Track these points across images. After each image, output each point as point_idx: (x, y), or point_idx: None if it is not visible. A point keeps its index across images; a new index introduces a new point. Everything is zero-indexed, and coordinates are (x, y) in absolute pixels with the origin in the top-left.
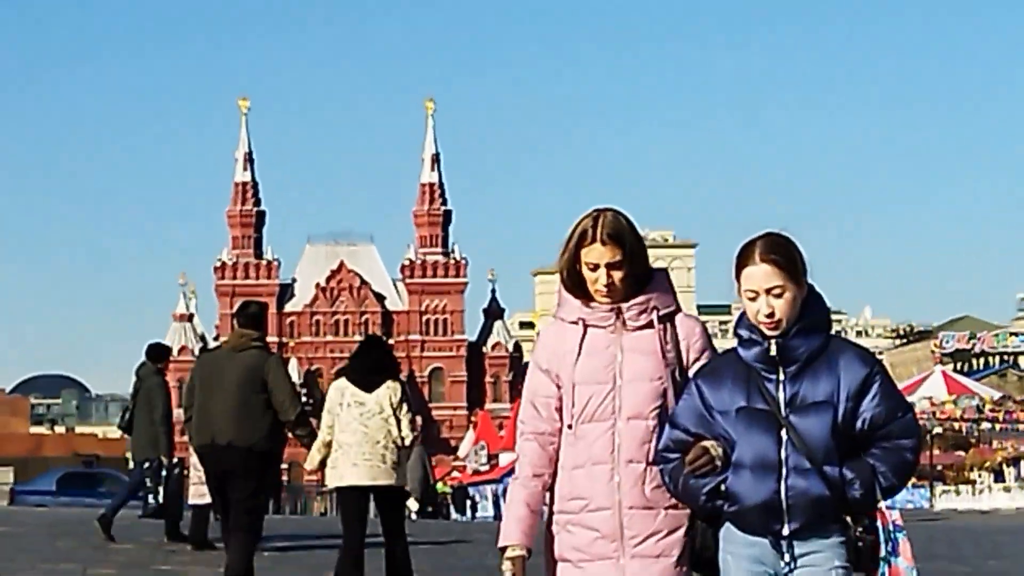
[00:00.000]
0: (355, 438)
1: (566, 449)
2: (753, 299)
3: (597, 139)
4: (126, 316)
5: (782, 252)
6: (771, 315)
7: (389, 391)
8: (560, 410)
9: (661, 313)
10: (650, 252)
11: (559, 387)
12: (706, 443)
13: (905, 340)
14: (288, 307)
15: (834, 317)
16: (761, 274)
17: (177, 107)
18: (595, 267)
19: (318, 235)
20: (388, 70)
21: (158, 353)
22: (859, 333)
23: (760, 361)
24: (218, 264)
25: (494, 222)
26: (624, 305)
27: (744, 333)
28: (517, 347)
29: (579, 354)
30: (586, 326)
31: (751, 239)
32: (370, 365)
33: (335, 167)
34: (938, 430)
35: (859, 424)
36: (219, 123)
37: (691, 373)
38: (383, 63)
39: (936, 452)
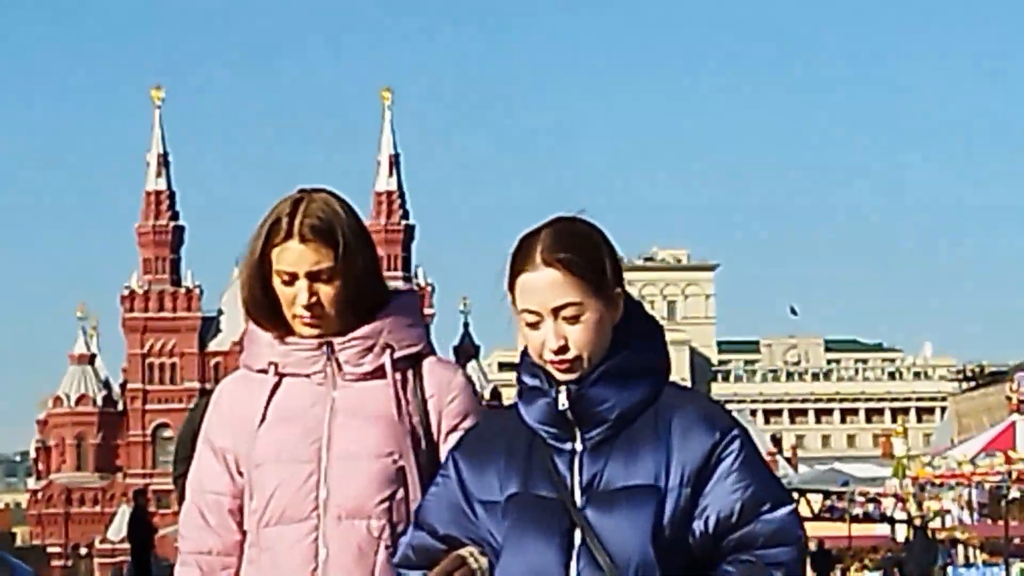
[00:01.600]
0: None
1: (246, 569)
2: (535, 325)
3: (594, 140)
4: (11, 360)
5: (579, 248)
6: (562, 349)
7: None
8: (240, 512)
9: (399, 355)
10: (661, 276)
11: (238, 475)
12: (464, 551)
13: (975, 383)
14: (212, 345)
15: (887, 356)
16: (546, 285)
17: (74, 98)
18: (291, 278)
19: None
20: (337, 52)
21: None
22: (917, 375)
23: (547, 422)
24: (125, 293)
25: (466, 239)
26: (338, 341)
27: (528, 379)
28: (496, 394)
29: (263, 418)
30: (279, 374)
31: (530, 230)
32: None
33: (270, 172)
34: (1016, 494)
35: (701, 523)
36: (128, 118)
37: (445, 447)
38: (329, 43)
39: (1014, 522)
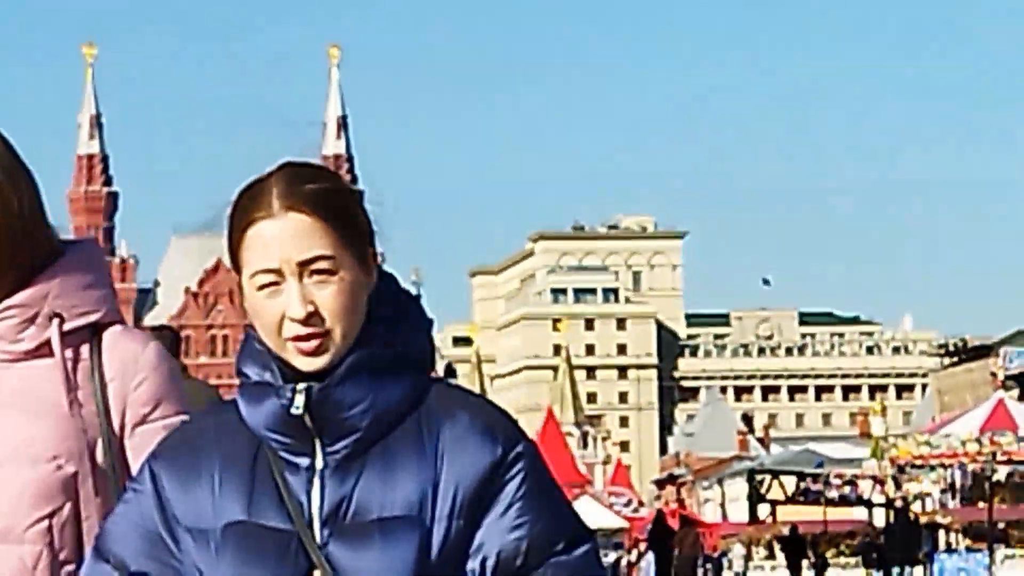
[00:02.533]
0: None
1: None
2: (271, 289)
3: (552, 100)
4: None
5: (328, 191)
6: (310, 317)
7: None
8: None
9: (70, 326)
10: (626, 245)
11: None
12: None
13: (957, 359)
14: (148, 319)
15: (864, 330)
16: (288, 234)
17: (0, 55)
18: None
19: (187, 224)
20: (282, 7)
21: None
22: (897, 349)
23: (277, 430)
24: None
25: (419, 207)
26: None
27: (252, 370)
28: (450, 370)
29: None
30: None
31: (258, 176)
32: None
33: (209, 133)
34: (1000, 476)
35: (476, 565)
36: (57, 75)
37: (133, 449)
38: None
39: (1000, 505)
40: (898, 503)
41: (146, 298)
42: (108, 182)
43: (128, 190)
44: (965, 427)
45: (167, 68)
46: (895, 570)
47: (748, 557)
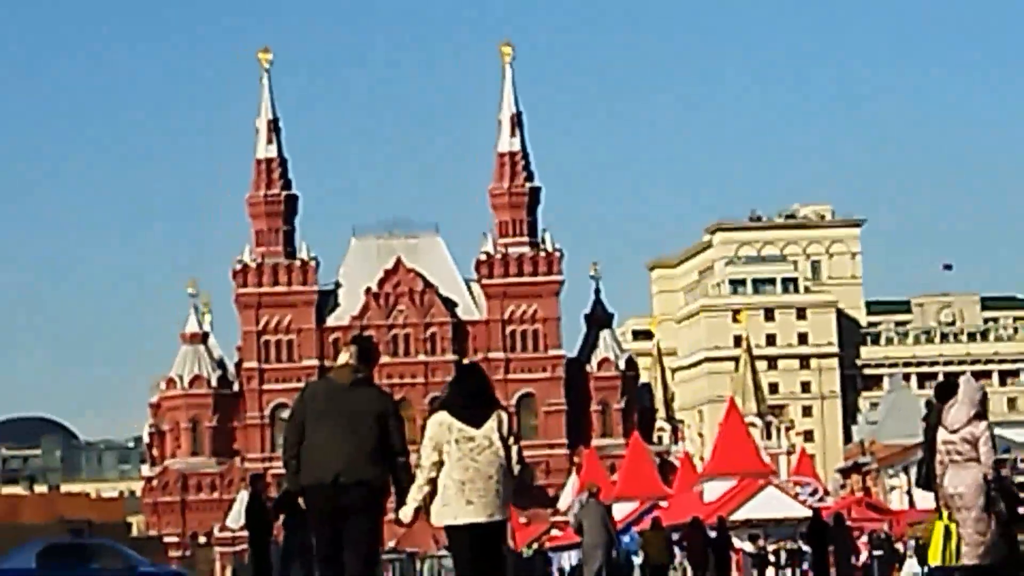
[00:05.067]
0: (467, 474)
1: None
2: None
3: (726, 90)
4: (122, 341)
5: None
6: None
7: (496, 422)
8: None
9: None
10: (804, 235)
11: None
12: None
13: None
14: (331, 320)
15: None
16: None
17: (178, 64)
18: None
19: (366, 226)
20: (454, 5)
21: None
22: None
23: None
24: (238, 267)
25: (595, 201)
26: None
27: None
28: (631, 363)
29: None
30: None
31: None
32: (473, 396)
33: (386, 137)
34: None
35: None
36: (235, 83)
37: None
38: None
39: None
40: None
41: (327, 299)
42: (287, 185)
43: (307, 193)
44: None
45: (343, 70)
46: None
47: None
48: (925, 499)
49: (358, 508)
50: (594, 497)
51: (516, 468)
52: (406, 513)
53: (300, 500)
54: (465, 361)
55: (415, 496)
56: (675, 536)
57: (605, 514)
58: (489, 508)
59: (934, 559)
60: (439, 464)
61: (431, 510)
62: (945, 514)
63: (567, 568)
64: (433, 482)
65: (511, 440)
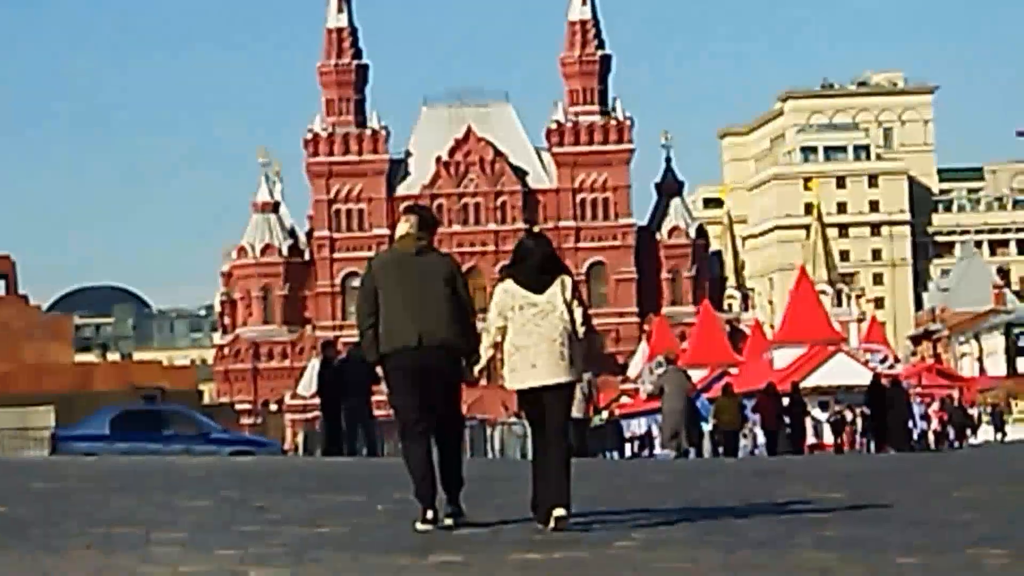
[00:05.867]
0: (531, 339)
1: None
2: None
3: None
4: (193, 209)
5: None
6: None
7: (560, 287)
8: None
9: None
10: (876, 102)
11: None
12: None
13: None
14: (401, 189)
15: None
16: None
17: None
18: None
19: (437, 95)
20: None
21: None
22: None
23: None
24: (309, 136)
25: (666, 69)
26: None
27: None
28: (701, 232)
29: None
30: None
31: None
32: (538, 264)
33: (457, 5)
34: None
35: None
36: None
37: None
38: None
39: None
40: None
41: (398, 168)
42: (358, 55)
43: (378, 62)
44: None
45: None
46: None
47: (1008, 410)
48: (995, 366)
49: (442, 370)
50: (673, 363)
51: (581, 331)
52: (475, 371)
53: (379, 371)
54: (534, 229)
55: (482, 356)
56: (746, 403)
57: (684, 380)
58: (555, 370)
59: None
60: (503, 329)
61: (504, 374)
62: None
63: (638, 434)
64: (498, 346)
65: (575, 304)
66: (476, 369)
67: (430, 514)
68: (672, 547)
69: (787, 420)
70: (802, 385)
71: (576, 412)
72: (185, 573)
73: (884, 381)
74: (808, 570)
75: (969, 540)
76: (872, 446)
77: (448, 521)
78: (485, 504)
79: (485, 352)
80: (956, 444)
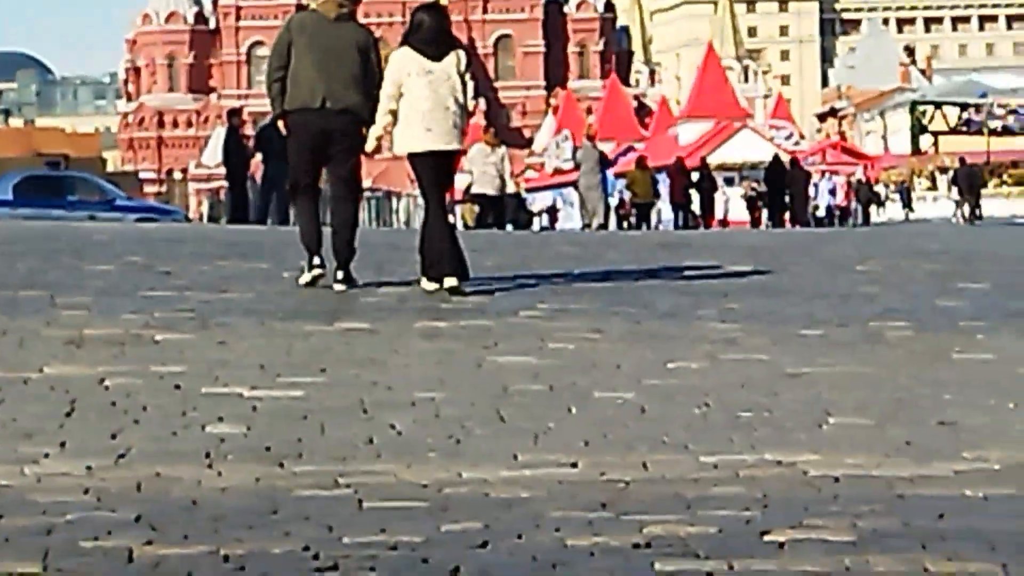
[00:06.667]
0: (426, 105)
1: None
2: None
3: None
4: None
5: None
6: None
7: (455, 59)
8: None
9: None
10: None
11: None
12: None
13: None
14: None
15: None
16: None
17: None
18: None
19: None
20: None
21: None
22: None
23: None
24: None
25: None
26: None
27: None
28: (609, 6)
29: None
30: None
31: None
32: (434, 33)
33: None
34: None
35: None
36: None
37: None
38: None
39: None
40: None
41: None
42: None
43: None
44: None
45: None
46: None
47: (908, 189)
48: (900, 144)
49: (343, 134)
50: (591, 140)
51: (471, 104)
52: (370, 138)
53: (282, 126)
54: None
55: (378, 123)
56: (659, 177)
57: (600, 156)
58: (447, 137)
59: None
60: (399, 97)
61: (394, 139)
62: None
63: (545, 207)
64: (395, 113)
65: (467, 76)
66: (372, 136)
67: (316, 260)
68: (578, 317)
69: (696, 195)
70: (707, 161)
71: (491, 189)
72: (91, 336)
73: (784, 158)
74: (713, 341)
75: (872, 313)
76: (771, 222)
77: (339, 286)
78: (395, 273)
79: (383, 118)
80: (861, 221)
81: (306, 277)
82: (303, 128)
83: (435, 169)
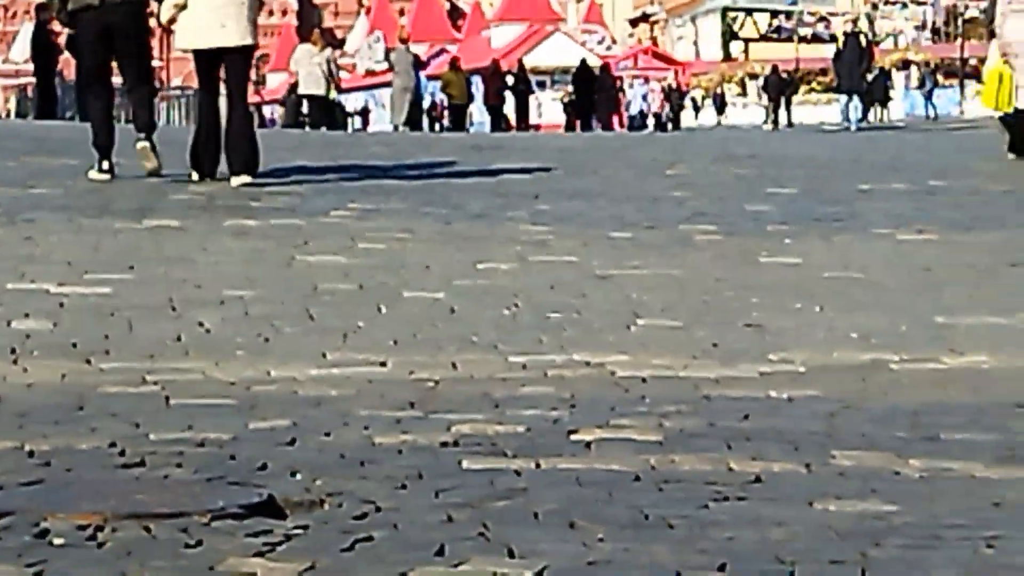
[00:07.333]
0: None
1: None
2: None
3: None
4: None
5: None
6: None
7: None
8: None
9: None
10: None
11: None
12: None
13: None
14: None
15: None
16: None
17: None
18: None
19: None
20: None
21: None
22: None
23: None
24: None
25: None
26: None
27: None
28: None
29: None
30: None
31: None
32: None
33: None
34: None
35: None
36: None
37: None
38: None
39: (972, 42)
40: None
41: None
42: None
43: None
44: None
45: None
46: (853, 104)
47: (721, 95)
48: (710, 50)
49: (127, 25)
50: (404, 43)
51: None
52: (164, 10)
53: (67, 28)
54: None
55: (164, 12)
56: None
57: (412, 58)
58: (243, 32)
59: (988, 103)
60: None
61: (177, 33)
62: (1000, 60)
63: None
64: (184, 7)
65: None
66: (164, 18)
67: (106, 164)
68: (390, 216)
69: (511, 98)
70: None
71: (318, 90)
72: None
73: (594, 63)
74: (523, 243)
75: (681, 216)
76: (579, 126)
77: (141, 144)
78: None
79: (168, 10)
80: (672, 126)
81: (95, 175)
82: (87, 26)
83: (226, 66)
